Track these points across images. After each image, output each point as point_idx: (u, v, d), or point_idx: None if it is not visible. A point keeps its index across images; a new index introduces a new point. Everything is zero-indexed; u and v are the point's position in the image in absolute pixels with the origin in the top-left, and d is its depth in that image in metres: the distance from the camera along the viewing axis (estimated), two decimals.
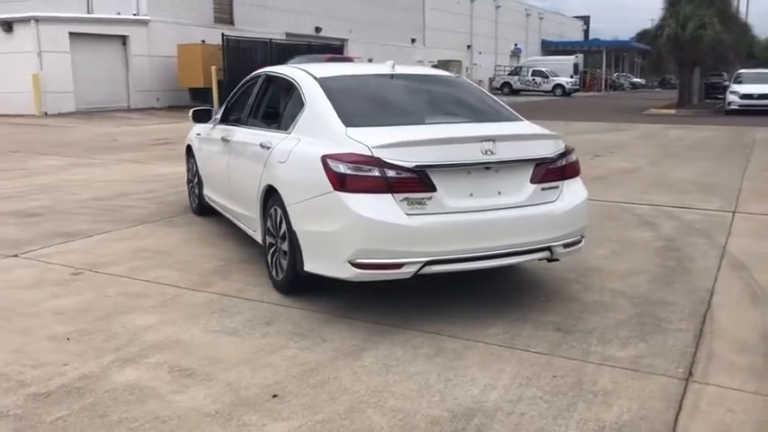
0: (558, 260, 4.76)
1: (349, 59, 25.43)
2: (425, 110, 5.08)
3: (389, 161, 4.03)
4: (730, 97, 25.72)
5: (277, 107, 5.56)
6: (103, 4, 26.72)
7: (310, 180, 4.27)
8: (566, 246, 4.54)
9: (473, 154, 4.20)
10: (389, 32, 40.95)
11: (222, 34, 25.80)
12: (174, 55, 26.47)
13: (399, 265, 4.05)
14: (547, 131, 4.80)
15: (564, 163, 4.57)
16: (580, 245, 4.75)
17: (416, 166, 4.04)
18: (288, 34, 32.16)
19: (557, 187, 4.50)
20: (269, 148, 4.91)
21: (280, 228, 4.68)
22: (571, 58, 51.79)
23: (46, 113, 22.80)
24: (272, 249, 4.89)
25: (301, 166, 4.47)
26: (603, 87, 57.56)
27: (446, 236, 4.13)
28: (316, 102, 4.76)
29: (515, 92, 46.33)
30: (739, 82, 26.73)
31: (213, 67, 25.05)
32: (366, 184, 4.04)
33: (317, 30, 35.30)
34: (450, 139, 4.32)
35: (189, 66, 26.09)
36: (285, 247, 4.60)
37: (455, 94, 5.45)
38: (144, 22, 26.35)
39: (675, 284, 5.18)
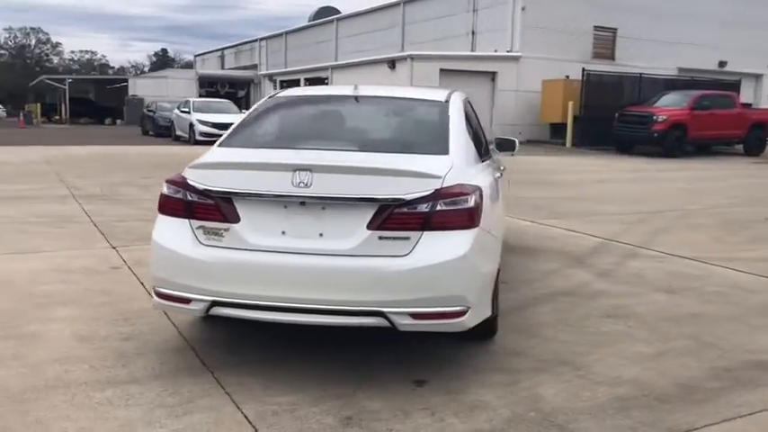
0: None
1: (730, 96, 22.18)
2: (321, 134, 4.34)
3: (194, 184, 3.58)
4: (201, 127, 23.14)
5: None
6: (484, 43, 28.22)
7: None
8: (416, 316, 3.30)
9: (282, 184, 3.39)
10: None
11: (583, 69, 24.76)
12: (538, 90, 26.44)
13: (188, 300, 3.53)
14: (410, 167, 3.49)
15: (427, 209, 3.32)
16: (454, 320, 3.39)
17: (219, 192, 3.48)
18: (681, 69, 29.26)
19: (407, 238, 3.30)
20: None
21: None
22: None
23: None
24: None
25: None
26: None
27: (239, 276, 3.44)
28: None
29: None
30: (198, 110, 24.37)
31: (570, 103, 24.30)
32: (171, 208, 3.67)
33: (721, 64, 31.27)
34: (260, 165, 3.58)
35: (550, 101, 25.77)
36: None
37: (395, 121, 4.53)
38: (515, 59, 26.94)
39: None
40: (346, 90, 4.61)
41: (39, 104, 49.34)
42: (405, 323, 3.35)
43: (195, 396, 3.36)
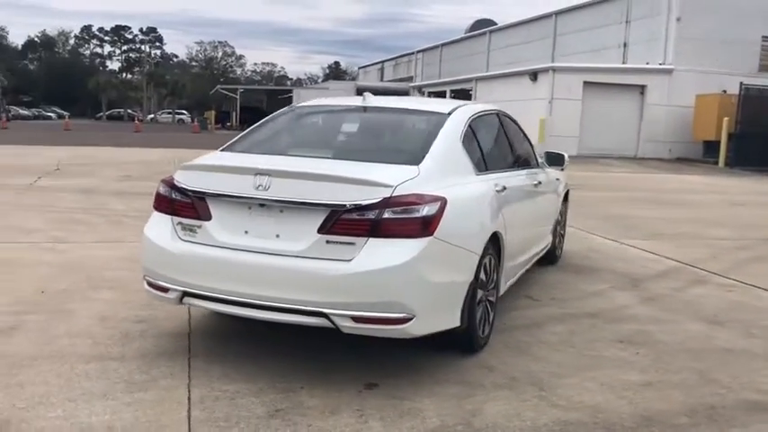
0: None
1: None
2: (309, 142, 4.60)
3: (177, 183, 3.92)
4: None
5: None
6: (635, 55, 26.94)
7: None
8: (360, 320, 3.43)
9: (245, 187, 3.66)
10: None
11: (741, 83, 22.87)
12: (691, 105, 24.77)
13: (166, 289, 3.86)
14: (361, 176, 3.58)
15: (374, 216, 3.43)
16: (396, 327, 3.48)
17: (195, 192, 3.81)
18: None
19: (352, 244, 3.44)
20: None
21: None
22: None
23: None
24: None
25: None
26: None
27: (206, 270, 3.74)
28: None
29: None
30: None
31: (725, 119, 22.57)
32: (161, 205, 4.03)
33: None
34: (228, 168, 3.90)
35: (704, 117, 24.10)
36: None
37: (387, 131, 4.66)
38: (667, 72, 25.47)
39: None
40: (358, 101, 4.78)
41: (213, 112, 53.69)
42: (346, 325, 3.46)
43: (159, 376, 3.67)
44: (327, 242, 3.48)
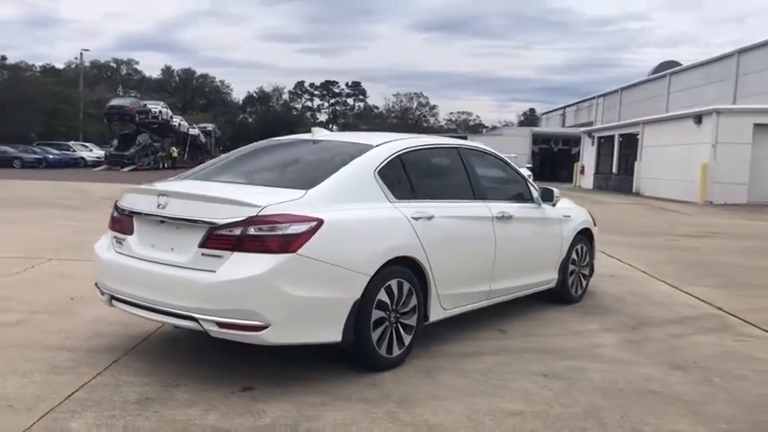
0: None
1: None
2: (236, 170, 5.01)
3: (118, 204, 4.61)
4: None
5: None
6: None
7: None
8: (223, 325, 3.87)
9: (151, 206, 4.25)
10: None
11: None
12: None
13: (103, 293, 4.54)
14: (233, 197, 4.04)
15: (239, 233, 3.87)
16: (253, 333, 3.86)
17: (123, 210, 4.50)
18: None
19: (220, 256, 3.91)
20: None
21: None
22: None
23: (710, 203, 22.72)
24: None
25: None
26: None
27: (123, 277, 4.37)
28: None
29: None
30: None
31: None
32: (109, 223, 4.71)
33: None
34: (145, 190, 4.48)
35: None
36: None
37: (310, 160, 4.96)
38: None
39: None
40: (308, 136, 5.24)
41: None
42: (213, 330, 3.88)
43: (84, 365, 4.32)
44: (203, 255, 3.95)
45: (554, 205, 6.13)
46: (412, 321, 4.58)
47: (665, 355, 5.04)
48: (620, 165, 34.02)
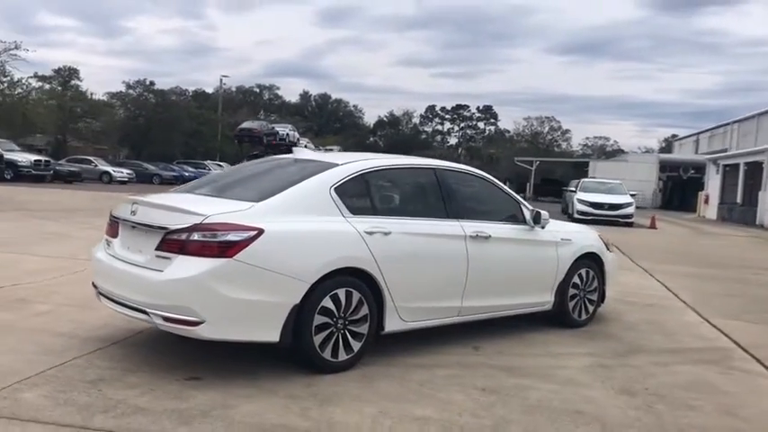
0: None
1: None
2: (217, 185, 5.41)
3: (112, 212, 5.26)
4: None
5: None
6: None
7: None
8: (167, 319, 4.40)
9: (126, 213, 4.92)
10: None
11: None
12: None
13: (95, 289, 5.21)
14: (183, 206, 4.59)
15: (184, 238, 4.40)
16: (189, 328, 4.35)
17: (113, 217, 5.18)
18: None
19: (168, 258, 4.45)
20: None
21: None
22: None
23: None
24: None
25: None
26: None
27: (103, 275, 5.03)
28: None
29: None
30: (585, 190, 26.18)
31: None
32: (106, 228, 5.31)
33: None
34: (126, 200, 5.10)
35: None
36: None
37: (281, 176, 5.25)
38: None
39: None
40: (289, 156, 5.70)
41: (505, 181, 55.65)
42: (160, 323, 4.40)
43: (70, 349, 4.94)
44: (157, 256, 4.49)
45: (543, 227, 6.19)
46: (362, 329, 4.87)
47: (624, 382, 5.00)
48: (744, 195, 31.90)
